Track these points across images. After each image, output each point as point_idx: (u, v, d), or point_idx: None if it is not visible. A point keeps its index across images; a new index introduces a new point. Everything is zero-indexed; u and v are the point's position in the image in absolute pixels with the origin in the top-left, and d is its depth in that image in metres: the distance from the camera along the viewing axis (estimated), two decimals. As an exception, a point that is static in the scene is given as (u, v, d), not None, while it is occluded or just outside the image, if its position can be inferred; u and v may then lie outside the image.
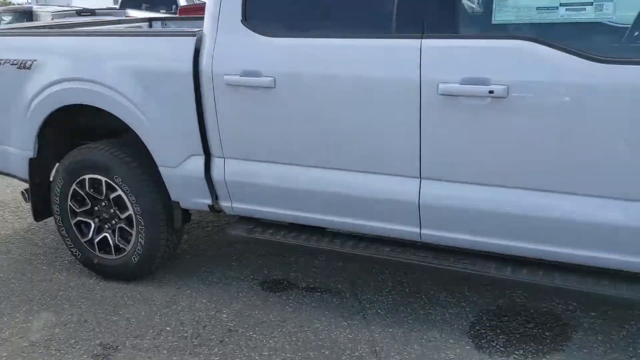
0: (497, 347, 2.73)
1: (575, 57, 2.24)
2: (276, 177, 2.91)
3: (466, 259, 2.68)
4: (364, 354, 2.73)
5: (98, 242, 3.41)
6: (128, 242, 3.32)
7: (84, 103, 3.16)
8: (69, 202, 3.39)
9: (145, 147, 3.11)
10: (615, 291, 2.42)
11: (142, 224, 3.22)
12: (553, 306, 3.06)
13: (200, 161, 3.05)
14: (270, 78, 2.74)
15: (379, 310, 3.10)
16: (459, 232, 2.59)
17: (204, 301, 3.24)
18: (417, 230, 2.68)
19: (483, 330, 2.87)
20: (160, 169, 3.12)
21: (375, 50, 2.57)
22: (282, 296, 3.30)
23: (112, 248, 3.38)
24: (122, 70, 3.03)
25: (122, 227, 3.32)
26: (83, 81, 3.12)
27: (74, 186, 3.35)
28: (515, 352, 2.69)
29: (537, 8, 2.37)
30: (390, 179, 2.67)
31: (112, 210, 3.32)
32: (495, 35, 2.44)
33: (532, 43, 2.30)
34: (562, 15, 2.33)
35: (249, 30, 2.78)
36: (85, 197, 3.36)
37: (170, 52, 2.96)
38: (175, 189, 3.15)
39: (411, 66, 2.46)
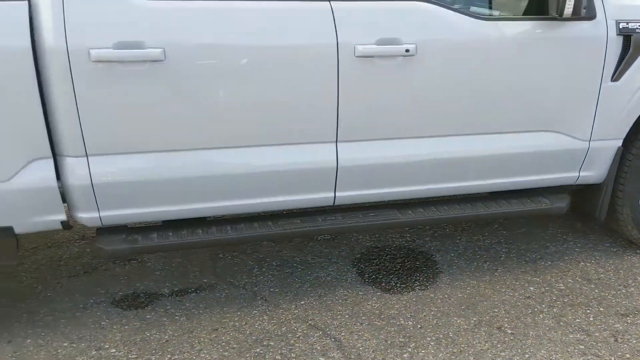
0: (398, 285, 3.01)
1: (463, 16, 2.62)
2: (162, 168, 2.47)
3: (371, 211, 2.85)
4: (307, 331, 2.63)
5: None
6: None
7: None
8: None
9: None
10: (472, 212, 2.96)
11: None
12: (396, 241, 3.50)
13: (48, 166, 2.34)
14: (158, 49, 2.29)
15: (271, 289, 2.98)
16: (374, 187, 2.73)
17: (92, 352, 2.53)
18: (331, 194, 2.70)
19: (374, 276, 3.10)
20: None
21: (285, 14, 2.43)
22: (155, 309, 2.82)
23: None
24: None
25: None
26: None
27: None
28: (415, 284, 3.02)
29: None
30: (303, 148, 2.60)
31: None
32: None
33: (427, 4, 2.58)
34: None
35: None
36: None
37: None
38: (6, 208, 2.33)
39: (327, 30, 2.44)
